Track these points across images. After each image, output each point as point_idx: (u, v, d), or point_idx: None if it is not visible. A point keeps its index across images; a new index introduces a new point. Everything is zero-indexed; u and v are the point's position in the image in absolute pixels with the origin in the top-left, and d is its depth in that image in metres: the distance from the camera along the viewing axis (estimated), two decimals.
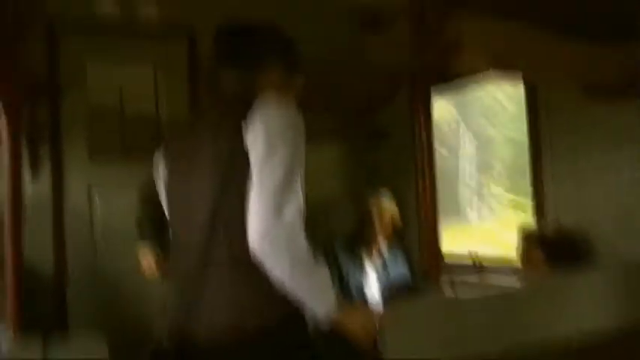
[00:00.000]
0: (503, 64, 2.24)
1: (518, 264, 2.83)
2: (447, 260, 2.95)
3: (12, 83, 1.48)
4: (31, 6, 1.53)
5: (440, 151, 3.54)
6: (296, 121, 1.56)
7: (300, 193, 1.50)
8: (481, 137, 5.89)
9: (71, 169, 3.45)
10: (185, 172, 1.68)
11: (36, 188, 3.35)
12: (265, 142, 1.50)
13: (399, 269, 3.62)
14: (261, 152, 1.50)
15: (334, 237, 3.73)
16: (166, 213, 1.79)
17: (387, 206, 3.68)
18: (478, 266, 3.39)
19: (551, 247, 2.67)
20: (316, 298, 1.52)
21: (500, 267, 3.27)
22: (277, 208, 1.45)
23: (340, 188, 4.20)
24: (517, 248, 2.81)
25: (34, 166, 3.35)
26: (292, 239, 1.46)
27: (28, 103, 3.22)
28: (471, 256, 3.50)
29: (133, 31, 3.61)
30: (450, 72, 2.00)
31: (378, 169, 4.21)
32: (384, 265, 3.61)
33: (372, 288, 3.55)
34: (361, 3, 2.42)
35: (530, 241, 2.75)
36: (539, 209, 3.04)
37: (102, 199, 3.52)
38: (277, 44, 1.80)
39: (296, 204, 1.48)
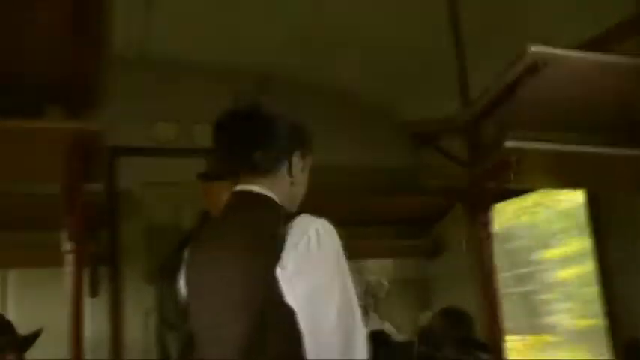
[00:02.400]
0: (559, 178, 2.22)
1: None
2: None
3: (77, 216, 1.50)
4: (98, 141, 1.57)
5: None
6: (334, 244, 1.46)
7: (358, 311, 1.42)
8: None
9: (129, 292, 3.47)
10: (209, 294, 1.56)
11: (94, 310, 3.37)
12: (314, 283, 1.42)
13: None
14: (311, 296, 1.41)
15: None
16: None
17: None
18: None
19: None
20: None
21: None
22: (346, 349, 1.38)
23: (398, 303, 4.11)
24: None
25: (94, 289, 3.39)
26: None
27: (90, 226, 3.31)
28: None
29: (188, 152, 3.73)
30: (506, 188, 1.97)
31: (435, 284, 4.12)
32: None
33: None
34: (415, 121, 2.45)
35: (631, 349, 2.59)
36: (612, 320, 2.88)
37: None
38: (292, 136, 1.62)
39: (361, 332, 1.40)
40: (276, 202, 1.57)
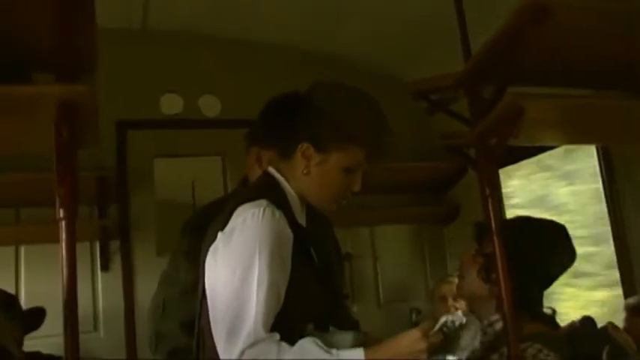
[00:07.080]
0: (567, 133, 2.14)
1: None
2: None
3: (69, 183, 1.46)
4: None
5: None
6: (257, 233, 1.41)
7: (252, 311, 1.36)
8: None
9: (141, 265, 3.47)
10: None
11: (107, 283, 3.41)
12: (220, 264, 1.44)
13: None
14: (213, 277, 1.46)
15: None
16: None
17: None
18: None
19: None
20: None
21: None
22: (227, 343, 1.36)
23: (415, 267, 4.08)
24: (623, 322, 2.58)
25: (106, 263, 3.41)
26: None
27: (100, 199, 3.33)
28: None
29: (197, 124, 3.70)
30: (512, 145, 1.90)
31: (451, 248, 4.08)
32: None
33: None
34: (414, 81, 2.38)
35: (633, 311, 2.53)
36: (627, 276, 2.81)
37: None
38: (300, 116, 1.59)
39: (245, 332, 1.35)
40: (279, 186, 1.57)
